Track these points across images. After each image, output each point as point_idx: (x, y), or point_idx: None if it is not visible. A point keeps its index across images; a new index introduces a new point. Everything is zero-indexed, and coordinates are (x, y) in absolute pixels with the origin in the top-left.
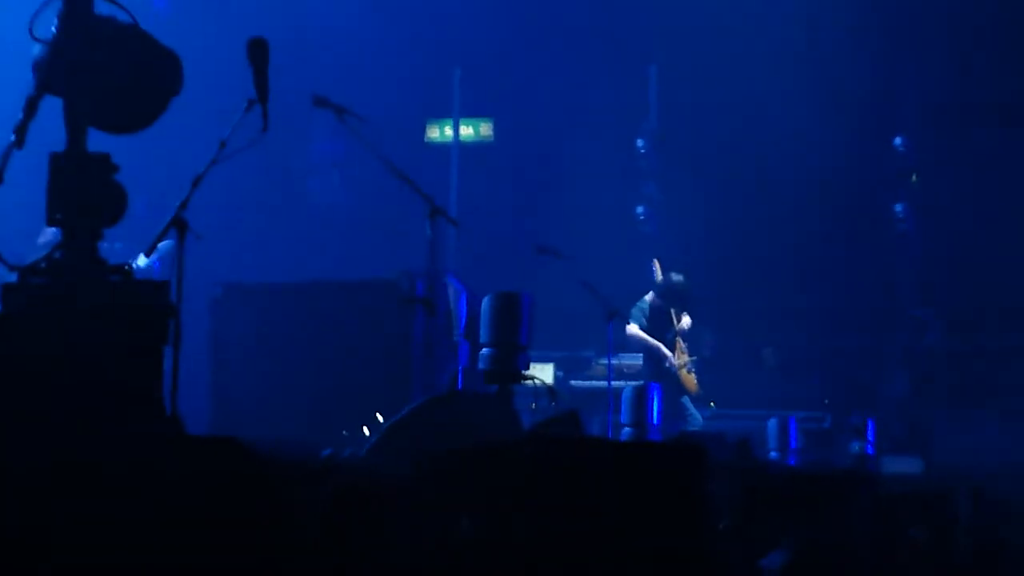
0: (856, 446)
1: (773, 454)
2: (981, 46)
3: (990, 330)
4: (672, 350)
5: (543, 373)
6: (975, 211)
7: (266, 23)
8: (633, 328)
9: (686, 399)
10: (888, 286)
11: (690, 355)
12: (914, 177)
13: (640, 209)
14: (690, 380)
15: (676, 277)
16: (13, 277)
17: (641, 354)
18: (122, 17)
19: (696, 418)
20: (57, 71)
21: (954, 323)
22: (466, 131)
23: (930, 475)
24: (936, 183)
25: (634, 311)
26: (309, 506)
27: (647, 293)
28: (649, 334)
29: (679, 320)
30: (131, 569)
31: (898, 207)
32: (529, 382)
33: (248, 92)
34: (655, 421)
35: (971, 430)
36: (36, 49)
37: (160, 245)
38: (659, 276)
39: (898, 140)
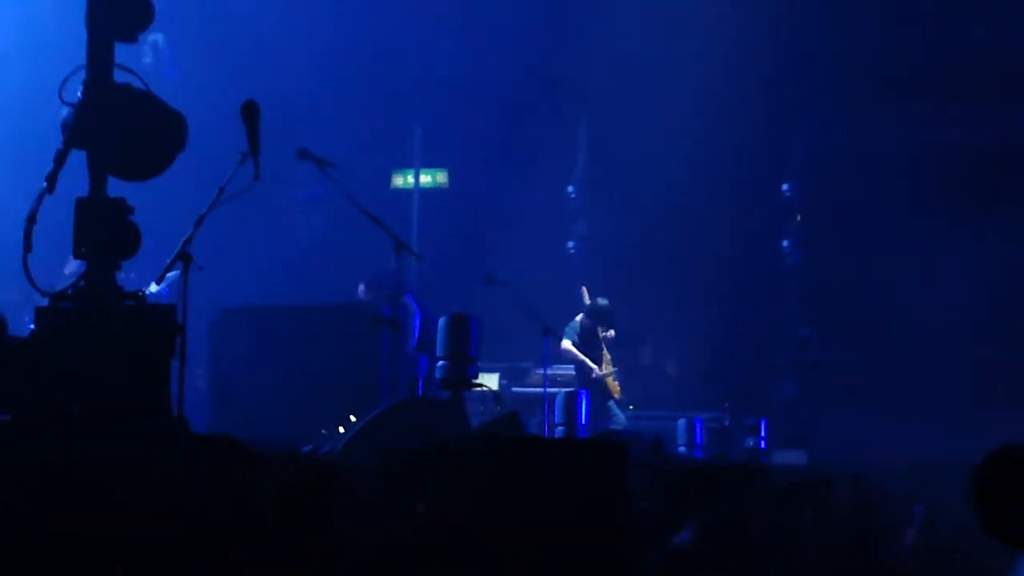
0: (751, 442)
1: (681, 449)
2: (858, 104)
3: (861, 344)
4: (599, 362)
5: (490, 381)
6: (849, 246)
7: (257, 87)
8: (566, 344)
9: (611, 402)
10: (777, 308)
11: (614, 365)
12: (798, 217)
13: (571, 243)
14: (614, 386)
15: (602, 301)
16: (45, 301)
17: (573, 366)
18: (137, 84)
19: (620, 418)
20: (82, 130)
21: (832, 338)
22: (425, 179)
23: (813, 466)
24: (817, 223)
25: (567, 330)
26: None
27: (578, 315)
28: (580, 349)
29: (605, 334)
30: (144, 538)
31: (785, 243)
32: (478, 389)
33: (242, 146)
34: (583, 421)
35: (847, 428)
36: (64, 111)
37: (168, 275)
38: (587, 300)
39: (785, 186)
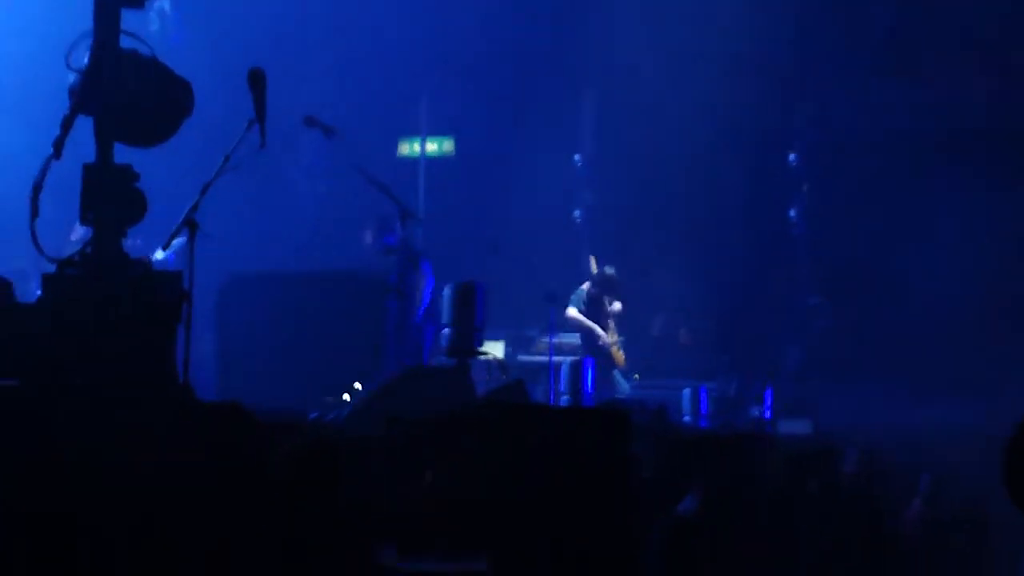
0: (756, 411)
1: (687, 418)
2: (864, 79)
3: (868, 314)
4: (605, 331)
5: (495, 349)
6: (855, 216)
7: (263, 54)
8: (572, 312)
9: (616, 372)
10: (785, 278)
11: (619, 335)
12: (805, 187)
13: (577, 212)
14: (619, 356)
15: (609, 270)
16: (52, 268)
17: (578, 334)
18: (144, 51)
19: (624, 388)
20: (89, 96)
21: (839, 308)
22: (432, 147)
23: (818, 435)
24: (823, 192)
25: (573, 298)
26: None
27: (584, 283)
28: (587, 317)
29: (611, 306)
30: (149, 505)
31: (792, 212)
32: (483, 357)
33: (248, 114)
34: (588, 390)
35: (854, 398)
36: (71, 77)
37: (174, 242)
38: (594, 269)
39: (792, 156)
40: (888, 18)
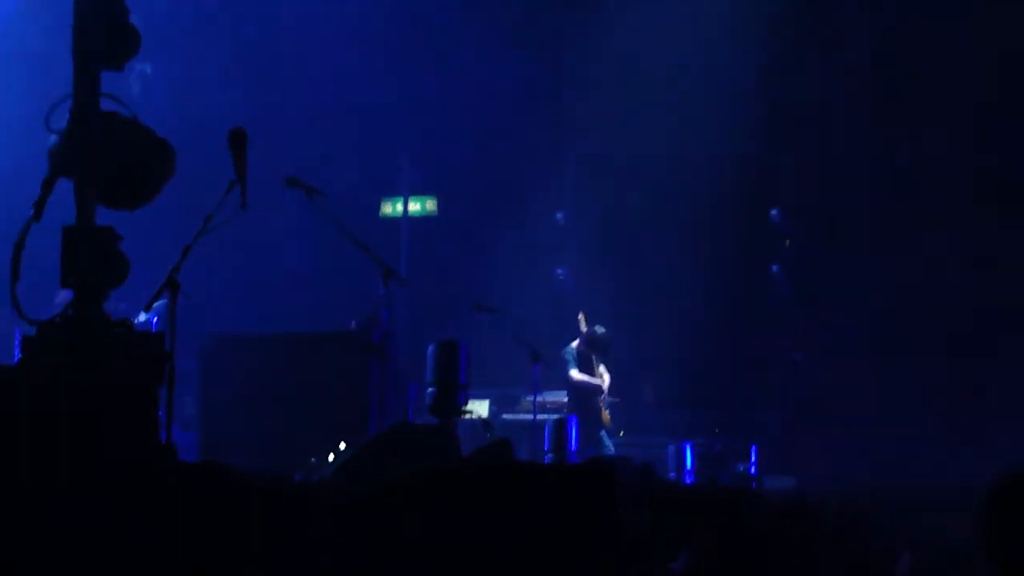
0: (741, 467)
1: (672, 474)
2: (841, 131)
3: (853, 369)
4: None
5: (480, 408)
6: (839, 269)
7: (245, 115)
8: (576, 373)
9: (603, 432)
10: (768, 333)
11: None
12: (787, 243)
13: (560, 271)
14: (605, 415)
15: (599, 329)
16: (32, 331)
17: (567, 392)
18: (124, 112)
19: (610, 448)
20: (69, 158)
21: (824, 363)
22: (414, 206)
23: (803, 491)
24: (805, 248)
25: (568, 358)
26: (284, 519)
27: (573, 340)
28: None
29: (599, 366)
30: (131, 566)
31: (774, 268)
32: (468, 416)
33: (230, 175)
34: (573, 448)
35: (836, 454)
36: (51, 139)
37: (156, 303)
38: (584, 327)
39: (774, 212)
40: (872, 61)
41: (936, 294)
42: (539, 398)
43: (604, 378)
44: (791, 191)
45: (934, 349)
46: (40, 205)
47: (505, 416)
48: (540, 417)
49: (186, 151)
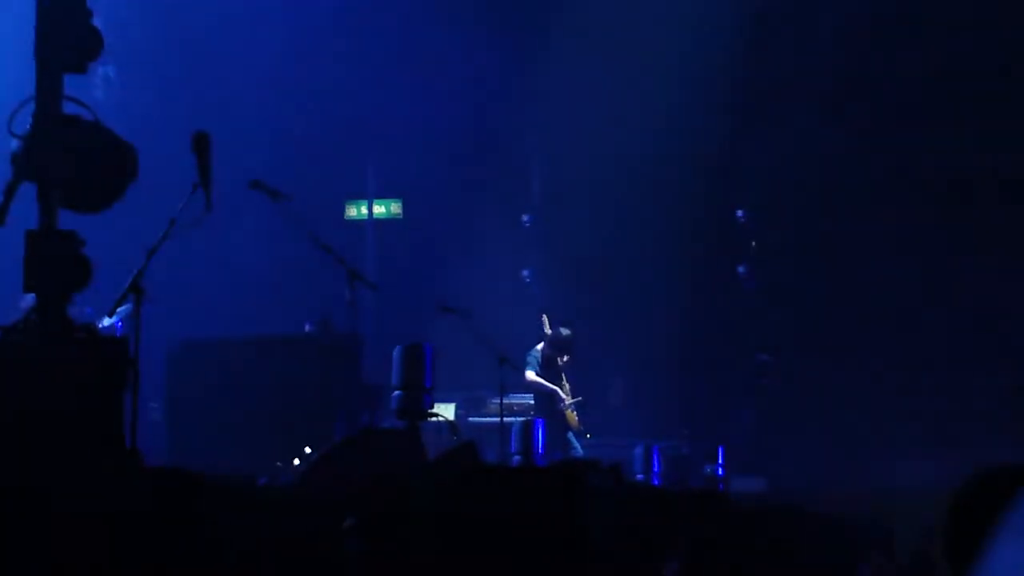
0: (709, 469)
1: (639, 476)
2: (808, 130)
3: (821, 368)
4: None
5: (446, 411)
6: (806, 269)
7: (208, 118)
8: (531, 375)
9: (571, 434)
10: (735, 334)
11: (573, 395)
12: (753, 243)
13: (526, 272)
14: (573, 418)
15: (564, 331)
16: None
17: (532, 395)
18: (87, 116)
19: (578, 451)
20: (32, 162)
21: (791, 363)
22: (379, 209)
23: (772, 492)
24: (771, 248)
25: (530, 360)
26: (249, 523)
27: (538, 343)
28: (543, 378)
29: (563, 363)
30: (96, 568)
31: (741, 269)
32: (434, 419)
33: (193, 178)
34: (539, 451)
35: (807, 454)
36: (14, 143)
37: (121, 308)
38: (547, 328)
39: (740, 213)
40: (833, 64)
41: (907, 294)
42: (506, 401)
43: (564, 384)
44: (757, 192)
45: (906, 349)
46: (3, 210)
47: (472, 419)
48: (507, 420)
49: (149, 154)
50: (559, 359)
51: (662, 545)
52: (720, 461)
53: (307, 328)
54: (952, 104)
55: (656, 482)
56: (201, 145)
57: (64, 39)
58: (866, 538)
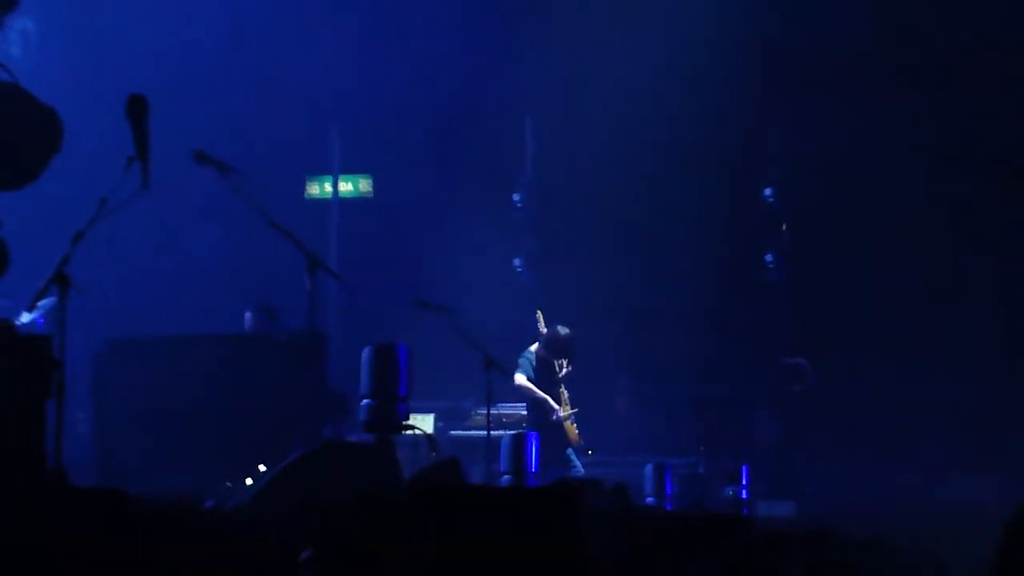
0: (730, 491)
1: (649, 499)
2: (848, 95)
3: (858, 375)
4: (558, 402)
5: (424, 424)
6: (843, 259)
7: (146, 80)
8: (521, 379)
9: (570, 450)
10: (760, 334)
11: (572, 406)
12: (784, 227)
13: (518, 261)
14: (572, 431)
15: (563, 330)
16: None
17: (525, 403)
18: (4, 78)
19: (579, 469)
20: None
21: (824, 368)
22: (345, 187)
23: (803, 518)
24: (803, 234)
25: (522, 361)
26: (193, 553)
27: (531, 344)
28: (536, 385)
29: (563, 371)
30: None
31: (768, 257)
32: (409, 432)
33: (128, 149)
34: (533, 469)
35: (840, 475)
36: None
37: (42, 302)
38: (543, 327)
39: (767, 192)
40: (871, 32)
41: (965, 288)
42: (494, 411)
43: (562, 393)
44: (787, 171)
45: (957, 354)
46: None
47: (453, 432)
48: (495, 433)
49: (76, 122)
50: (557, 363)
51: None
52: (743, 482)
53: (247, 317)
54: (996, 78)
55: (669, 506)
56: (137, 111)
57: None
58: (913, 569)
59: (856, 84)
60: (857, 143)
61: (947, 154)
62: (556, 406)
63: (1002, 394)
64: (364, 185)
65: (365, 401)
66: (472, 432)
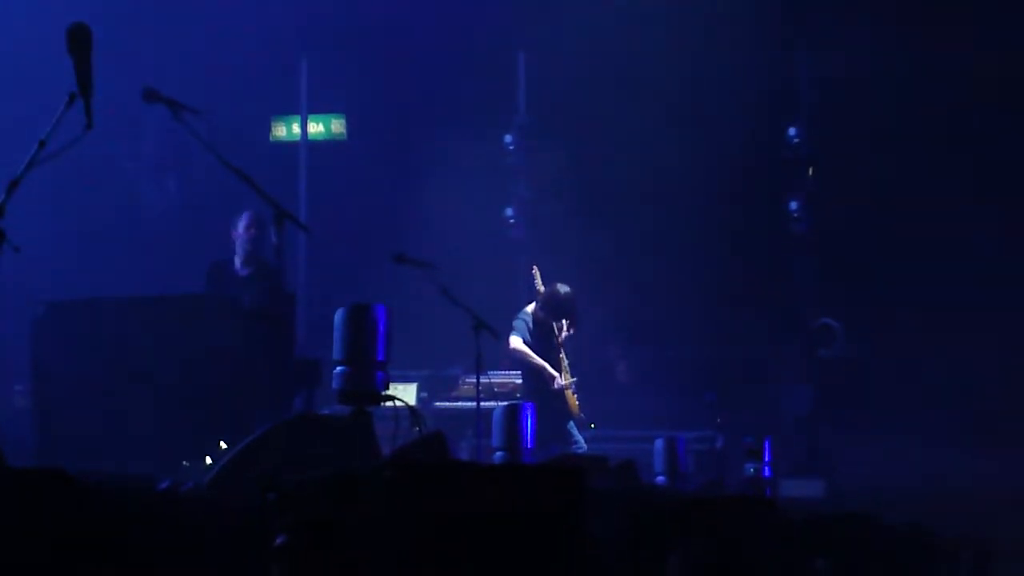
0: (751, 468)
1: (660, 478)
2: (885, 34)
3: (895, 338)
4: (557, 369)
5: (405, 394)
6: (878, 209)
7: (91, 7)
8: (516, 343)
9: (571, 424)
10: (784, 292)
11: (572, 374)
12: (810, 171)
13: (509, 211)
14: (574, 401)
15: (562, 288)
16: None
17: (520, 371)
18: None
19: (581, 445)
20: None
21: (857, 331)
22: (316, 128)
23: (833, 499)
24: (835, 178)
25: (516, 324)
26: (146, 540)
27: (527, 304)
28: (532, 350)
29: (562, 334)
30: None
31: (793, 205)
32: (389, 404)
33: (69, 85)
34: (529, 444)
35: (877, 449)
36: None
37: None
38: (540, 286)
39: (792, 131)
40: None
41: (1009, 243)
42: (484, 380)
43: (562, 359)
44: (815, 102)
45: (1007, 314)
46: None
47: (439, 403)
48: (485, 404)
49: (9, 54)
50: (556, 325)
51: (689, 568)
52: (767, 458)
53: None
54: None
55: (682, 486)
56: (79, 42)
57: None
58: (953, 555)
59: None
60: (897, 72)
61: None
62: (556, 373)
63: None
64: (336, 126)
65: (339, 369)
66: (460, 403)
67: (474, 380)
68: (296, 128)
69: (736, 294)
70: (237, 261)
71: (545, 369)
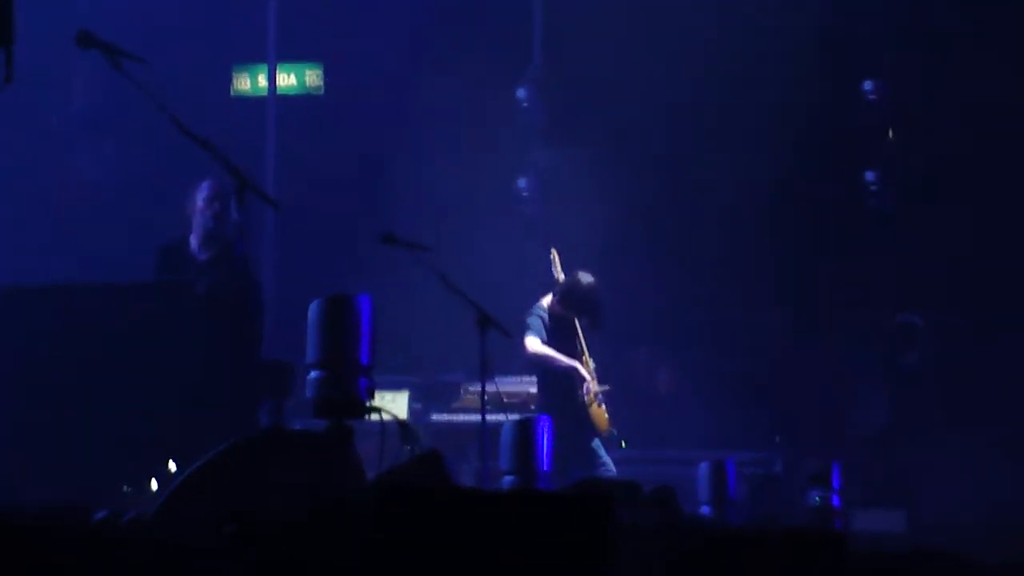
0: (817, 497)
1: (704, 508)
2: None
3: (992, 342)
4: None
5: (396, 404)
6: (971, 181)
7: None
8: (534, 344)
9: (598, 442)
10: (858, 284)
11: (600, 384)
12: (891, 134)
13: (522, 182)
14: (601, 415)
15: (585, 278)
16: None
17: (536, 377)
18: None
19: (610, 468)
20: None
21: (946, 331)
22: (287, 80)
23: (916, 534)
24: (920, 141)
25: (531, 320)
26: None
27: (543, 296)
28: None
29: (583, 339)
30: None
31: (869, 175)
32: (375, 416)
33: None
34: (545, 466)
35: (969, 472)
36: None
37: None
38: (559, 273)
39: (868, 85)
40: None
41: None
42: (491, 387)
43: (587, 362)
44: (896, 53)
45: None
46: None
47: (436, 416)
48: (493, 418)
49: None
50: (576, 321)
51: None
52: (835, 485)
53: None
54: None
55: (732, 518)
56: None
57: None
58: None
59: None
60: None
61: None
62: (587, 375)
63: None
64: (312, 78)
65: (313, 373)
66: (461, 416)
67: (479, 388)
68: (262, 80)
69: (798, 287)
70: (194, 242)
71: (576, 371)
